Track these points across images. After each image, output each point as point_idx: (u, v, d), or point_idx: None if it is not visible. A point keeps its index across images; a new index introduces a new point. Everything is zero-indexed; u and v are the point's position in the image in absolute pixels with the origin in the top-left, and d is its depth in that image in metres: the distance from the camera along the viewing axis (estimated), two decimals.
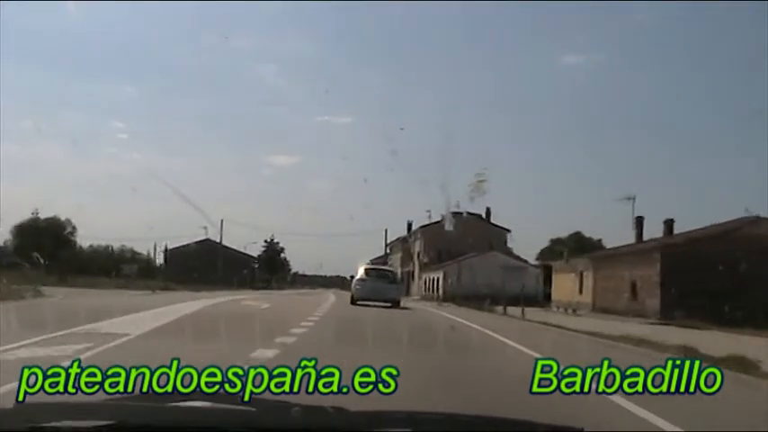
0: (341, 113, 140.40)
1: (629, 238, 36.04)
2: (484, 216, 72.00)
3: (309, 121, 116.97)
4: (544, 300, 59.67)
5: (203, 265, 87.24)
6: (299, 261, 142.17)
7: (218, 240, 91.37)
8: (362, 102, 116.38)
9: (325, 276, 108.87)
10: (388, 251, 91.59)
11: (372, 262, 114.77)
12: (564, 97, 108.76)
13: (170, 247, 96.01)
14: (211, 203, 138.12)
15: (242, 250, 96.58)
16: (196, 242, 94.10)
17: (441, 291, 59.70)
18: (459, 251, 63.99)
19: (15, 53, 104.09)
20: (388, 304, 26.36)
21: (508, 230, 70.18)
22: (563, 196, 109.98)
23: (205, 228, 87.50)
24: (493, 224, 70.82)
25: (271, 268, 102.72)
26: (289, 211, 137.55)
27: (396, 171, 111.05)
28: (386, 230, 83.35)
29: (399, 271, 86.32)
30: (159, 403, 2.33)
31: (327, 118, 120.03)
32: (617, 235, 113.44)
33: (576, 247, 76.44)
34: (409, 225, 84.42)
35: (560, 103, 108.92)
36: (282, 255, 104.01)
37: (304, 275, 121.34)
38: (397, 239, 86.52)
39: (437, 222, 71.34)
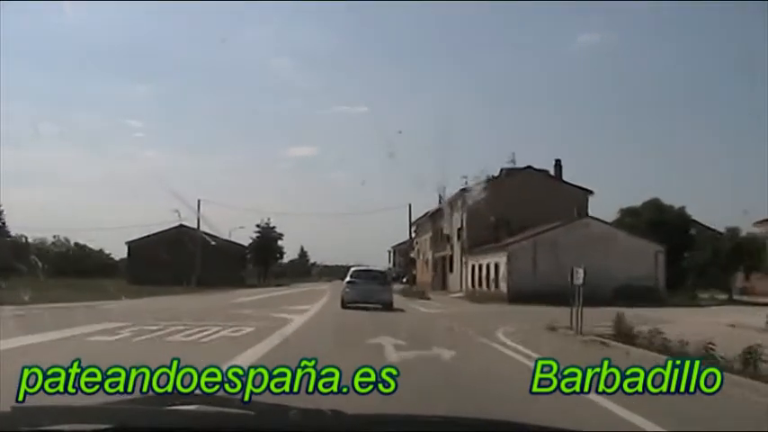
0: (357, 103, 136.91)
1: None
2: (553, 173, 49.99)
3: (326, 111, 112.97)
4: (663, 291, 38.33)
5: (177, 258, 67.19)
6: (320, 253, 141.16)
7: (193, 229, 70.03)
8: (379, 89, 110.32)
9: (347, 267, 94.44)
10: (413, 233, 69.42)
11: (394, 249, 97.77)
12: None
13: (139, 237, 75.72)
14: (226, 198, 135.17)
15: (227, 238, 74.83)
16: (166, 230, 73.32)
17: (504, 283, 37.66)
18: (523, 221, 42.27)
19: (26, 55, 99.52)
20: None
21: (590, 191, 48.00)
22: (632, 162, 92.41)
23: (177, 211, 67.34)
24: (567, 183, 48.69)
25: (264, 259, 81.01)
26: (307, 202, 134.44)
27: (413, 154, 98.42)
28: (409, 206, 61.29)
29: (430, 256, 64.45)
30: (159, 405, 2.31)
31: (345, 108, 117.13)
32: (710, 202, 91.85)
33: (655, 217, 55.42)
34: (441, 197, 62.47)
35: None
36: (280, 242, 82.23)
37: (326, 266, 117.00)
38: (425, 216, 64.47)
39: (488, 180, 49.47)
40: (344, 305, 25.26)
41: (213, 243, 72.60)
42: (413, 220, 64.29)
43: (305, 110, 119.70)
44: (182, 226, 71.83)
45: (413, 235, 68.85)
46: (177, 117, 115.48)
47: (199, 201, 68.49)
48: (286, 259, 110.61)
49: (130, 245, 75.67)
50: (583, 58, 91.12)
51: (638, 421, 5.77)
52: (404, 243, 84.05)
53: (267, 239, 79.86)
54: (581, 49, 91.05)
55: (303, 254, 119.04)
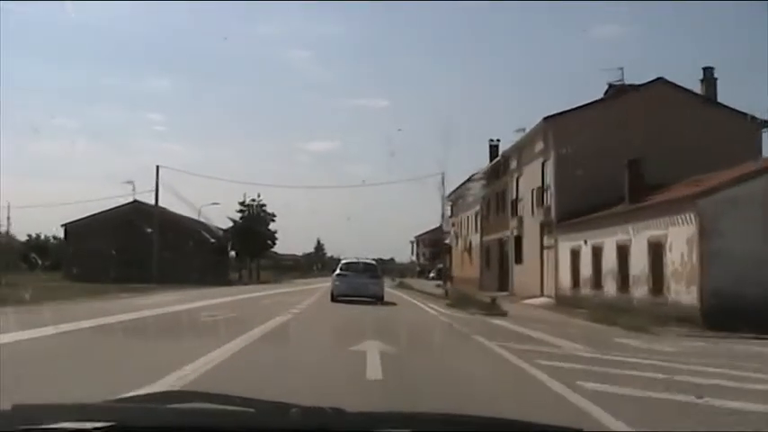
0: (377, 96, 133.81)
1: None
2: (702, 91, 29.77)
3: (345, 104, 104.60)
4: None
5: (131, 244, 49.41)
6: (339, 247, 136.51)
7: (151, 206, 51.27)
8: (400, 82, 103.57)
9: (365, 261, 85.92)
10: (449, 209, 49.47)
11: (418, 239, 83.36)
12: None
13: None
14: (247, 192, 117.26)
15: (197, 218, 55.37)
16: (115, 208, 54.73)
17: (690, 284, 17.45)
18: (656, 172, 22.62)
19: (42, 49, 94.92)
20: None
21: (765, 122, 27.77)
22: None
23: (131, 182, 49.49)
24: (725, 107, 28.39)
25: (249, 247, 61.23)
26: (327, 195, 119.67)
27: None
28: (442, 175, 41.03)
29: (477, 240, 44.40)
30: (159, 402, 2.28)
31: (363, 101, 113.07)
32: None
33: None
34: (493, 148, 42.41)
35: None
36: (271, 225, 62.41)
37: (339, 260, 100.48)
38: (469, 180, 44.38)
39: (592, 103, 29.60)
40: (334, 299, 25.25)
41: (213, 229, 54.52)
42: (448, 195, 44.29)
43: (325, 103, 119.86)
44: (136, 201, 52.92)
45: (449, 210, 48.88)
46: (196, 110, 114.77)
47: (157, 167, 49.33)
48: (301, 252, 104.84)
49: (67, 227, 56.53)
50: None
51: None
52: (430, 231, 66.68)
53: (253, 221, 60.13)
54: None
55: (320, 246, 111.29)
